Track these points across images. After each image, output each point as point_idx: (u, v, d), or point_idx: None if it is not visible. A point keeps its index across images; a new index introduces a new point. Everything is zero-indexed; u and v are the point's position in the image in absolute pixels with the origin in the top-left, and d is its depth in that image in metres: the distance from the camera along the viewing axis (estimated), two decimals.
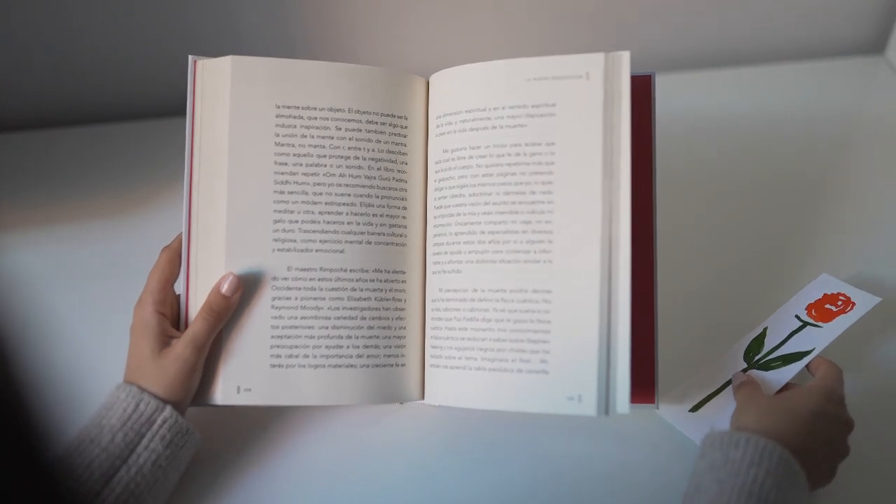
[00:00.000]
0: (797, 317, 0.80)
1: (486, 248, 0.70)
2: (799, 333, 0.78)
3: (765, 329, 0.80)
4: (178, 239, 0.73)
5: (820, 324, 0.79)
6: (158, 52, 1.03)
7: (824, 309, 0.80)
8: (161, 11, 1.00)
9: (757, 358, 0.78)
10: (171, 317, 0.71)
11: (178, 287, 0.72)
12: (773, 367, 0.76)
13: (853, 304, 0.79)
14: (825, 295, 0.81)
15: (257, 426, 0.77)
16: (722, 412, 0.73)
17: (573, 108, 0.69)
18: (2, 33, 0.99)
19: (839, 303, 0.80)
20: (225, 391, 0.70)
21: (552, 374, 0.67)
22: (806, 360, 0.75)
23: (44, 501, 0.39)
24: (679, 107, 1.03)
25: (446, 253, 0.73)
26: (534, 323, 0.68)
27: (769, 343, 0.79)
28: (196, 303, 0.71)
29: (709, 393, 0.76)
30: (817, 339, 0.77)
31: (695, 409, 0.75)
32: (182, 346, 0.68)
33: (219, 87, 0.72)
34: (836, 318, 0.78)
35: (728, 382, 0.76)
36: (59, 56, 1.02)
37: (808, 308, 0.81)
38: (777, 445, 0.62)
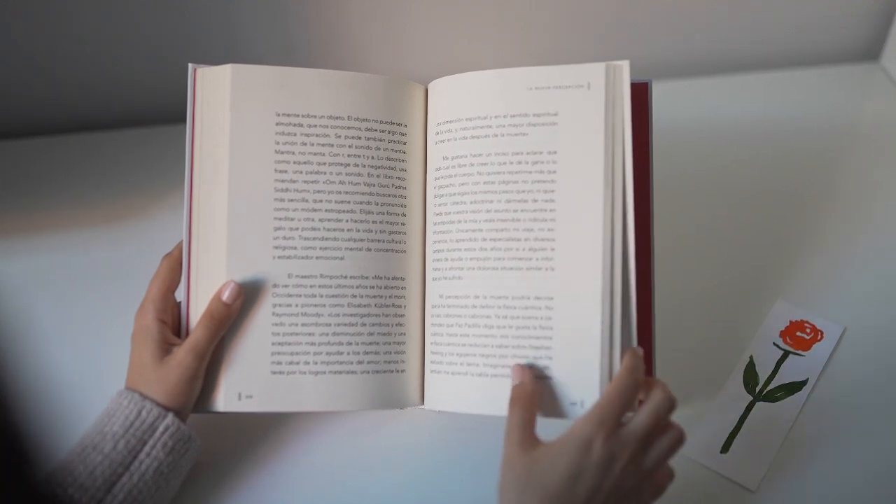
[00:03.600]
0: (776, 345, 0.82)
1: (488, 255, 0.71)
2: (785, 362, 0.81)
3: (751, 357, 0.81)
4: (179, 247, 0.73)
5: (800, 352, 0.82)
6: (159, 60, 1.03)
7: (797, 336, 0.83)
8: (161, 19, 1.00)
9: (759, 389, 0.79)
10: (172, 324, 0.71)
11: (179, 295, 0.72)
12: (777, 399, 0.78)
13: (821, 331, 0.83)
14: (791, 322, 0.84)
15: (257, 433, 0.77)
16: (755, 448, 0.75)
17: (575, 117, 0.70)
18: (3, 42, 0.99)
19: (807, 330, 0.83)
20: (226, 398, 0.70)
21: (555, 380, 0.68)
22: (806, 389, 0.79)
23: None
24: (673, 114, 1.03)
25: (447, 260, 0.73)
26: (536, 329, 0.69)
27: (761, 373, 0.80)
28: (197, 310, 0.71)
29: (730, 431, 0.77)
30: (807, 368, 0.80)
31: (724, 450, 0.75)
32: (183, 354, 0.68)
33: (219, 95, 0.73)
34: (813, 347, 0.82)
35: (745, 416, 0.77)
36: (59, 63, 1.02)
37: (782, 335, 0.83)
38: None
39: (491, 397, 0.69)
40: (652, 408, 0.62)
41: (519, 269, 0.70)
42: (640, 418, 0.61)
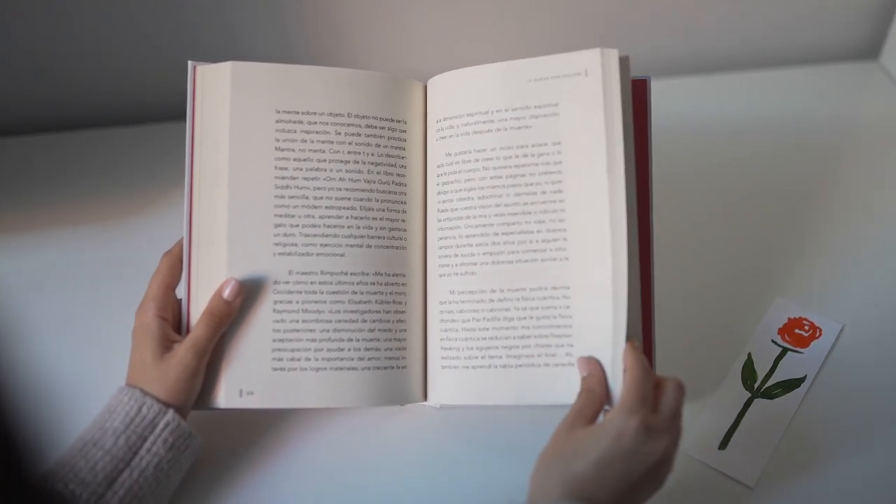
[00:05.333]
0: (774, 342, 0.82)
1: (501, 248, 0.71)
2: (783, 359, 0.81)
3: (749, 355, 0.81)
4: (179, 244, 0.72)
5: (799, 349, 0.81)
6: (157, 57, 1.03)
7: (795, 333, 0.83)
8: (160, 18, 0.99)
9: (757, 386, 0.79)
10: (173, 322, 0.71)
11: (180, 292, 0.72)
12: (775, 395, 0.78)
13: (819, 328, 0.83)
14: (790, 319, 0.84)
15: (257, 431, 0.76)
16: (753, 445, 0.75)
17: (575, 105, 0.70)
18: (4, 41, 0.99)
19: (806, 327, 0.83)
20: (228, 395, 0.70)
21: (577, 367, 0.68)
22: (804, 385, 0.79)
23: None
24: (672, 111, 1.03)
25: (456, 255, 0.73)
26: (556, 318, 0.69)
27: (760, 370, 0.80)
28: (197, 308, 0.70)
29: (728, 428, 0.76)
30: (805, 365, 0.80)
31: (723, 446, 0.75)
32: (184, 351, 0.68)
33: (219, 92, 0.72)
34: (812, 344, 0.82)
35: (743, 413, 0.77)
36: (58, 61, 1.02)
37: (781, 333, 0.83)
38: (570, 503, 0.58)
39: (517, 388, 0.70)
40: (675, 398, 0.63)
41: (534, 261, 0.70)
42: (667, 408, 0.63)
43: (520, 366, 0.70)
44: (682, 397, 0.64)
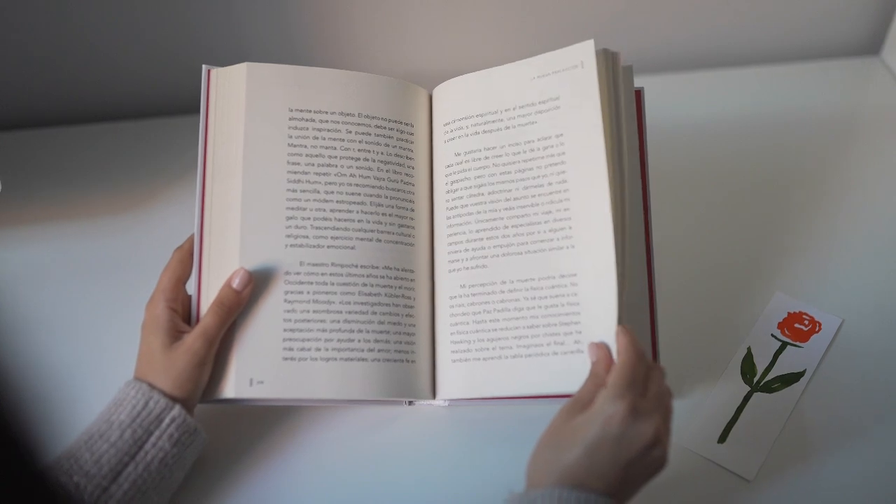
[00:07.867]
0: (773, 336, 0.81)
1: (511, 241, 0.71)
2: (783, 353, 0.80)
3: (749, 349, 0.81)
4: (190, 240, 0.72)
5: (799, 343, 0.81)
6: (161, 54, 1.01)
7: (795, 328, 0.82)
8: (164, 17, 0.99)
9: (756, 380, 0.78)
10: (183, 315, 0.70)
11: (190, 287, 0.71)
12: (774, 390, 0.78)
13: (819, 323, 0.82)
14: (790, 314, 0.83)
15: (261, 428, 0.75)
16: (752, 438, 0.74)
17: (574, 96, 0.71)
18: (13, 40, 0.99)
19: (806, 322, 0.82)
20: (238, 384, 0.68)
21: (586, 353, 0.67)
22: (804, 379, 0.78)
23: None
24: (671, 108, 1.02)
25: (467, 250, 0.73)
26: (564, 306, 0.69)
27: (759, 364, 0.80)
28: (208, 299, 0.69)
29: (727, 421, 0.75)
30: (804, 359, 0.79)
31: (722, 440, 0.74)
32: (192, 339, 0.67)
33: (233, 92, 0.73)
34: (812, 338, 0.81)
35: (742, 406, 0.76)
36: (61, 56, 1.01)
37: (780, 327, 0.82)
38: (563, 490, 0.58)
39: (528, 377, 0.69)
40: (660, 380, 0.63)
41: (542, 251, 0.70)
42: (654, 390, 0.62)
43: (529, 355, 0.69)
44: (663, 378, 0.63)
